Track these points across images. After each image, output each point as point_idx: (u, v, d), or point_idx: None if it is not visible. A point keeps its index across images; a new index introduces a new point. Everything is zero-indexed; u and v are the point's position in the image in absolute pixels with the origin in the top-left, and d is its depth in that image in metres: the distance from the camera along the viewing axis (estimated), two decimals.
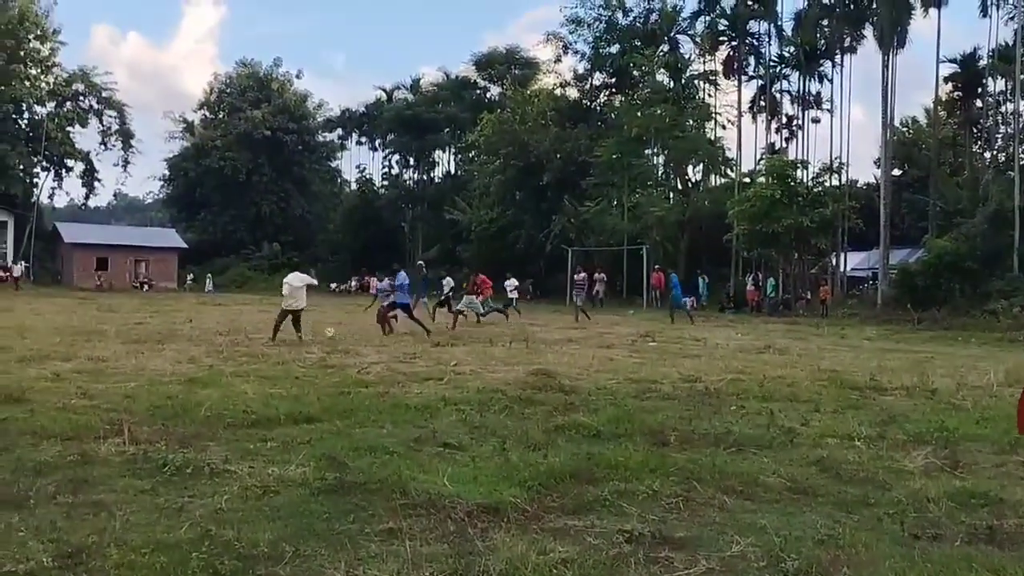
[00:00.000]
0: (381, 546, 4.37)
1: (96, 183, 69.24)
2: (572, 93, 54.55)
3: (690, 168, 51.01)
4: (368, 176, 78.94)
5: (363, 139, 78.77)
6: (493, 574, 3.99)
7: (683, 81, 50.33)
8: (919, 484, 5.95)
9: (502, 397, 9.51)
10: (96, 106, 66.70)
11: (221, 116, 70.34)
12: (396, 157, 75.04)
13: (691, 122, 47.52)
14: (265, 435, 7.02)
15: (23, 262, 53.36)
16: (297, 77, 73.14)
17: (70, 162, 66.64)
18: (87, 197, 71.04)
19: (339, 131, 78.03)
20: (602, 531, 4.75)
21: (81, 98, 65.93)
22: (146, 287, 52.60)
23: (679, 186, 50.48)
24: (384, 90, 74.81)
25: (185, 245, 60.92)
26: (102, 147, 67.94)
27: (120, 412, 7.79)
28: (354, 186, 79.82)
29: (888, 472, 6.30)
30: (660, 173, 50.17)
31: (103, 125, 67.31)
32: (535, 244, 47.44)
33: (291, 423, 7.62)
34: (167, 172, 72.59)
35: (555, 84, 55.60)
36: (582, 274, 28.51)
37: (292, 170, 69.14)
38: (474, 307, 22.71)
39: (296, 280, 17.01)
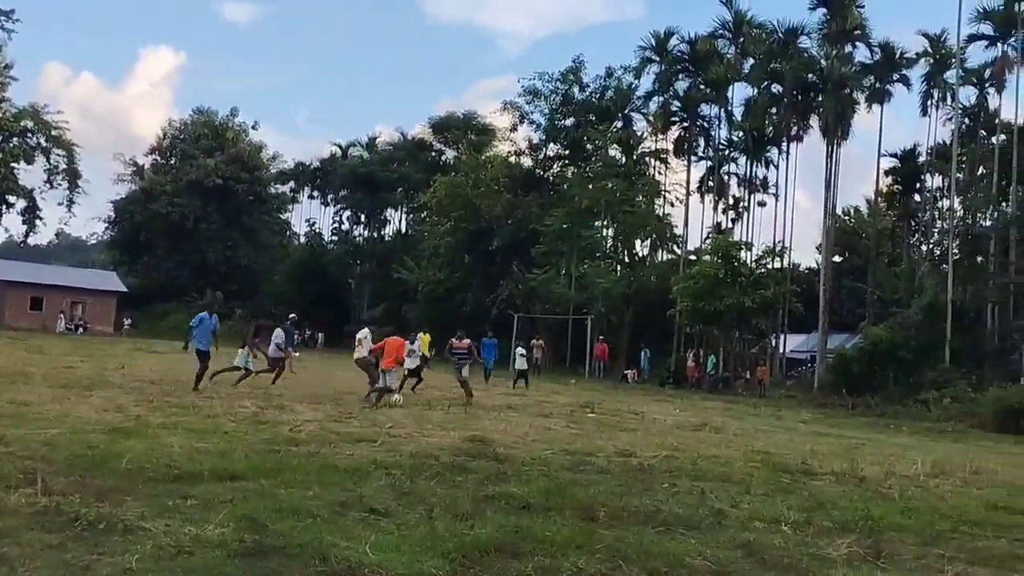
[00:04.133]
0: None
1: (38, 221, 67.65)
2: (526, 162, 55.31)
3: (638, 242, 51.83)
4: (318, 231, 78.82)
5: (315, 193, 78.73)
6: None
7: (635, 157, 51.48)
8: (841, 573, 5.99)
9: (434, 463, 9.40)
10: (44, 144, 65.44)
11: (173, 162, 69.75)
12: (347, 213, 75.13)
13: (641, 198, 48.44)
14: (186, 492, 6.82)
15: None
16: (253, 128, 73.05)
17: (12, 198, 65.06)
18: (27, 235, 69.38)
19: (292, 184, 77.90)
20: None
21: (29, 135, 64.74)
22: (80, 330, 51.27)
23: (626, 259, 51.17)
24: (339, 146, 75.17)
25: (125, 289, 59.74)
26: (47, 185, 66.47)
27: (36, 460, 7.53)
28: (303, 239, 79.39)
29: (812, 559, 6.32)
30: (608, 246, 50.83)
31: (50, 163, 65.93)
32: (482, 308, 47.45)
33: (215, 480, 7.42)
34: (113, 214, 71.36)
35: (510, 152, 56.40)
36: (465, 341, 21.59)
37: (241, 220, 68.56)
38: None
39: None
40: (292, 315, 23.21)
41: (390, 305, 61.26)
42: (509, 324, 42.22)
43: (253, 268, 70.08)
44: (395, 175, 67.46)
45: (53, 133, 65.38)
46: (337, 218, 76.51)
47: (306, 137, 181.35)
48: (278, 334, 19.64)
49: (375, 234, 75.23)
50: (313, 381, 18.61)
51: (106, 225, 73.66)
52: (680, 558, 6.02)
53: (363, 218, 74.51)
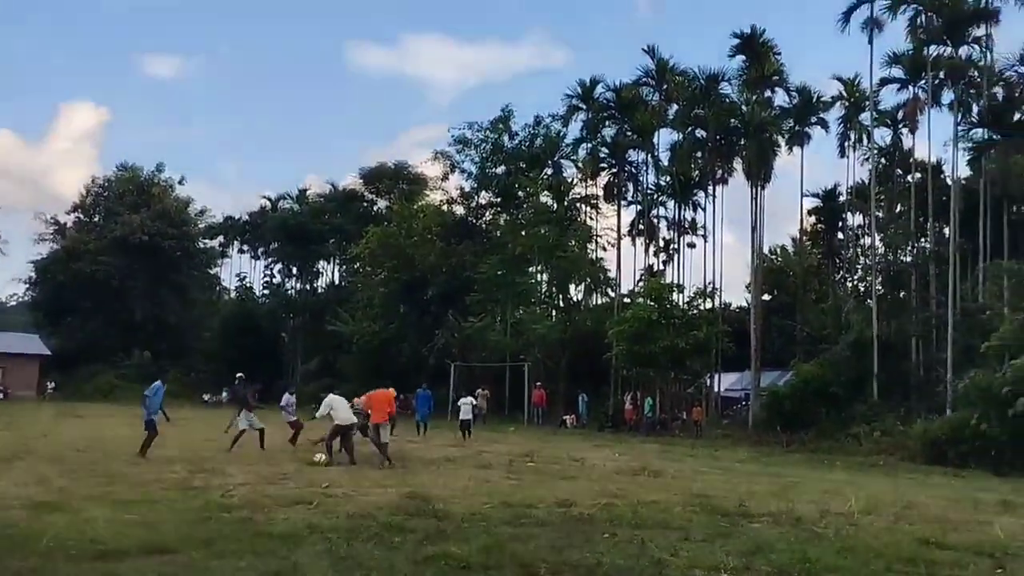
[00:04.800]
0: None
1: None
2: (458, 210, 55.49)
3: (572, 287, 52.27)
4: (248, 285, 77.71)
5: (245, 247, 77.86)
6: None
7: (566, 203, 52.12)
8: None
9: (372, 523, 9.25)
10: None
11: (96, 219, 68.26)
12: (279, 266, 74.38)
13: (573, 242, 48.98)
14: (111, 570, 6.57)
15: None
16: (180, 183, 71.88)
17: None
18: None
19: (221, 238, 76.89)
20: None
21: None
22: (2, 395, 49.41)
23: (561, 304, 51.51)
24: (269, 199, 74.60)
25: (48, 352, 57.88)
26: None
27: None
28: (234, 294, 78.15)
29: None
30: (543, 291, 51.14)
31: None
32: (418, 357, 47.13)
33: (142, 554, 7.17)
34: (33, 275, 69.33)
35: (442, 200, 56.55)
36: (360, 400, 18.88)
37: (169, 276, 67.18)
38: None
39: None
40: (240, 374, 22.97)
41: (325, 358, 60.51)
42: (446, 373, 42.02)
43: (183, 325, 68.54)
44: (327, 227, 67.21)
45: None
46: (268, 272, 75.76)
47: (235, 190, 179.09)
48: (287, 399, 21.02)
49: (308, 286, 74.48)
50: (245, 440, 18.13)
51: (26, 286, 71.65)
52: None
53: (295, 271, 73.80)
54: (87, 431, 22.63)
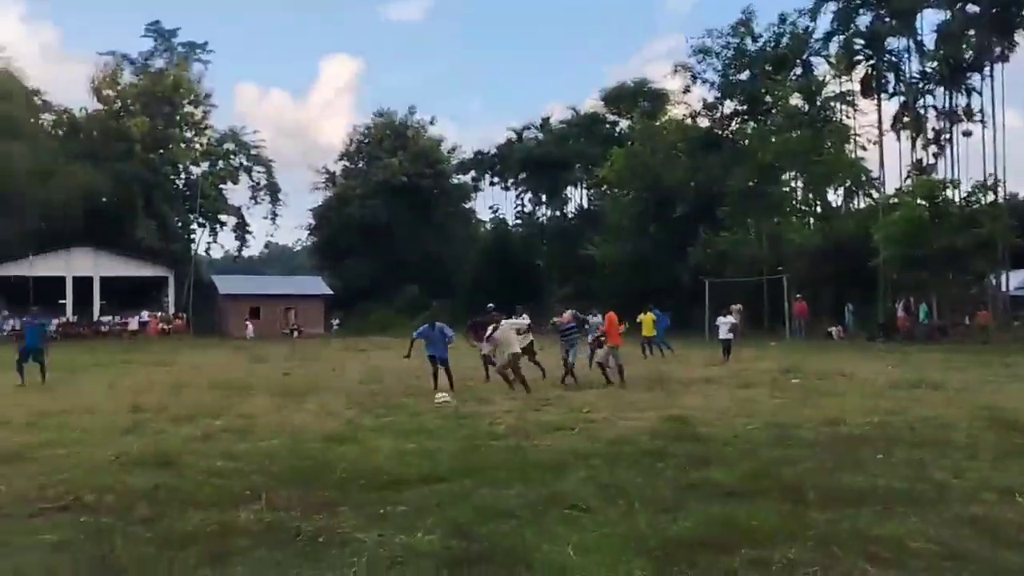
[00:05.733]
0: None
1: (248, 236, 73.48)
2: (703, 122, 53.76)
3: (830, 192, 49.34)
4: (502, 216, 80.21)
5: (496, 180, 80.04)
6: None
7: (818, 103, 48.82)
8: None
9: (633, 449, 9.35)
10: (245, 163, 70.84)
11: (360, 166, 73.00)
12: (528, 195, 76.15)
13: (829, 145, 45.95)
14: (395, 498, 7.10)
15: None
16: (431, 123, 75.14)
17: (223, 217, 70.95)
18: (240, 249, 75.54)
19: (472, 173, 79.57)
20: None
21: (232, 157, 70.11)
22: (295, 334, 54.77)
23: (819, 211, 48.84)
24: (514, 131, 76.07)
25: (331, 292, 63.17)
26: (252, 201, 72.14)
27: (261, 475, 8.08)
28: (489, 226, 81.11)
29: None
30: (798, 199, 48.75)
31: (252, 181, 71.45)
32: (671, 277, 46.78)
33: (421, 484, 7.68)
34: (312, 222, 75.82)
35: (685, 114, 54.99)
36: (566, 314, 18.58)
37: (429, 214, 70.84)
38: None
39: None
40: (490, 304, 23.69)
41: (579, 282, 61.56)
42: (700, 291, 41.38)
43: (444, 260, 72.36)
44: (571, 152, 67.71)
45: (252, 152, 70.61)
46: (519, 201, 77.80)
47: (481, 125, 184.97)
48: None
49: (558, 213, 75.81)
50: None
51: (308, 232, 78.50)
52: (901, 541, 5.68)
53: (544, 199, 75.29)
54: (370, 364, 24.51)
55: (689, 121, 54.06)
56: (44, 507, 6.86)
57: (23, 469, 8.57)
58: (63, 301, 53.59)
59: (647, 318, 26.50)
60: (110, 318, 53.76)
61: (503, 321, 17.05)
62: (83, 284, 54.59)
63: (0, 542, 5.88)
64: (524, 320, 17.76)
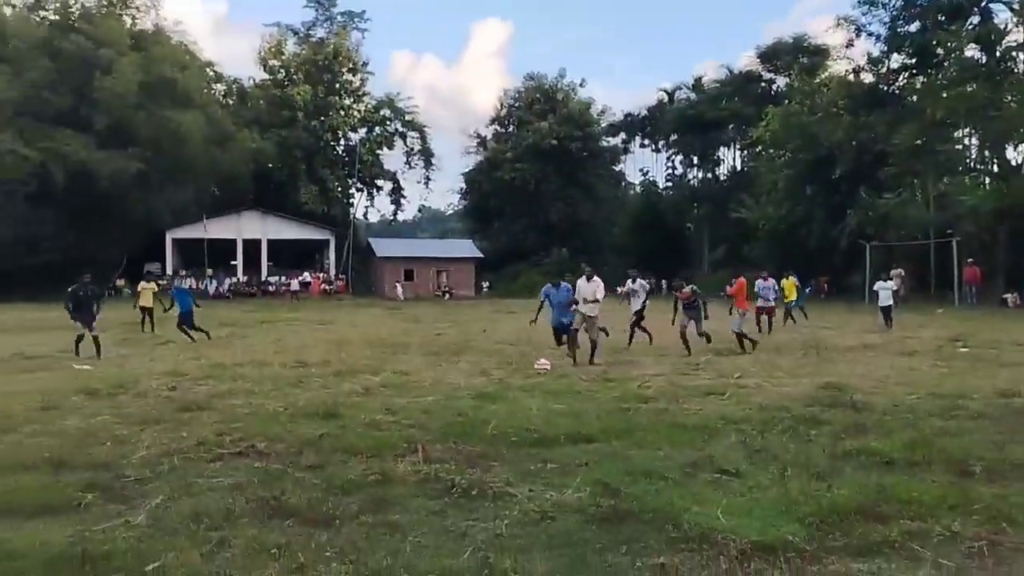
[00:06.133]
0: None
1: (402, 200, 75.75)
2: (866, 78, 50.94)
3: (1010, 149, 45.91)
4: (651, 179, 79.17)
5: (646, 142, 78.96)
6: None
7: (998, 54, 45.37)
8: None
9: (786, 415, 9.16)
10: (400, 129, 72.79)
11: (511, 129, 73.58)
12: (679, 157, 74.81)
13: (1009, 98, 42.70)
14: (545, 455, 7.28)
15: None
16: (580, 86, 74.74)
17: (380, 182, 73.32)
18: (395, 213, 78.17)
19: (622, 135, 78.74)
20: None
21: (387, 123, 72.16)
22: (447, 295, 56.22)
23: (996, 170, 45.61)
24: (665, 91, 74.69)
25: (481, 254, 64.32)
26: (407, 166, 74.16)
27: (417, 428, 8.45)
28: (638, 189, 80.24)
29: None
30: (972, 157, 45.68)
31: (407, 146, 73.39)
32: (828, 240, 45.03)
33: (570, 443, 7.83)
34: (463, 186, 77.21)
35: (847, 70, 52.32)
36: (686, 290, 17.29)
37: (578, 177, 70.77)
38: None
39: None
40: (632, 270, 23.47)
41: (730, 246, 60.29)
42: (859, 255, 39.67)
43: (593, 222, 72.25)
44: (724, 112, 66.00)
45: (407, 118, 72.44)
46: (670, 164, 76.58)
47: (631, 87, 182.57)
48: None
49: (710, 175, 74.23)
50: (656, 331, 18.57)
51: (459, 196, 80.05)
52: None
53: (696, 161, 73.79)
54: (519, 326, 24.84)
55: (851, 77, 51.42)
56: (222, 452, 7.43)
57: (203, 418, 9.30)
58: (234, 262, 56.95)
59: (789, 283, 25.69)
60: (276, 278, 56.71)
61: (578, 282, 15.92)
62: (252, 246, 57.75)
63: (185, 483, 6.42)
64: (597, 284, 15.35)
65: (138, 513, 5.59)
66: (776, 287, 23.11)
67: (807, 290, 27.12)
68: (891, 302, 23.29)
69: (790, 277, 26.16)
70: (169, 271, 54.64)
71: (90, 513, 5.67)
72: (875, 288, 24.85)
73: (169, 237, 55.24)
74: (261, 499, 5.78)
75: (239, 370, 13.70)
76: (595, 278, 15.49)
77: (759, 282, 22.35)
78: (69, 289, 17.08)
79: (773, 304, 22.21)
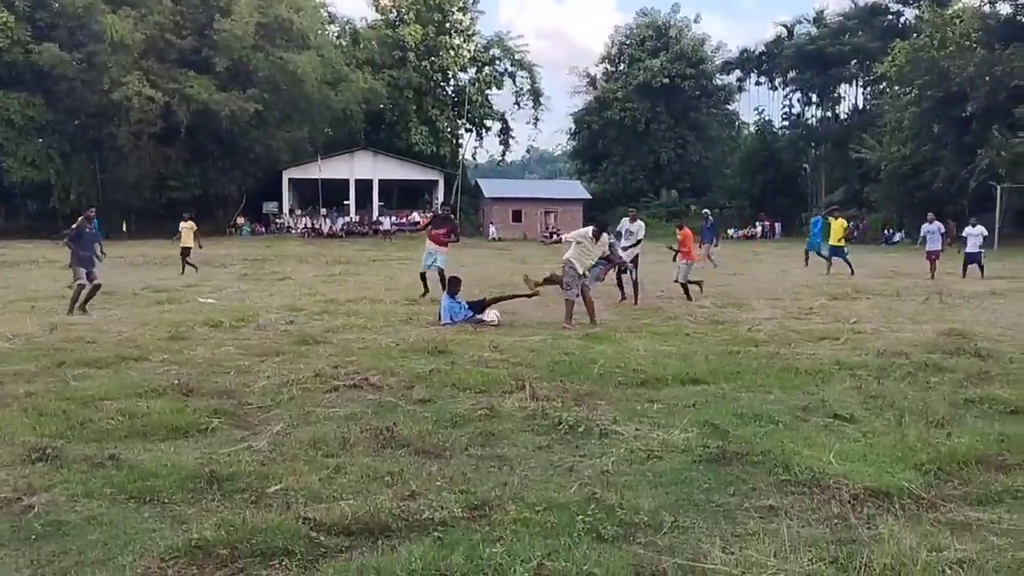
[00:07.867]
0: (759, 523, 4.32)
1: (511, 140, 75.64)
2: (1004, 9, 47.84)
3: None
4: (767, 118, 76.59)
5: (762, 79, 76.23)
6: (876, 568, 3.75)
7: None
8: None
9: (905, 362, 8.85)
10: (510, 69, 72.38)
11: (621, 68, 72.17)
12: (797, 96, 72.04)
13: None
14: (652, 396, 7.26)
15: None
16: (695, 21, 72.85)
17: (489, 122, 73.32)
18: (503, 154, 78.12)
19: (737, 73, 76.20)
20: (1010, 528, 4.28)
21: (497, 62, 71.80)
22: (554, 236, 56.14)
23: None
24: (785, 25, 71.73)
25: (589, 196, 63.84)
26: (515, 107, 73.87)
27: (524, 367, 8.53)
28: (752, 129, 77.84)
29: None
30: None
31: (516, 86, 72.98)
32: (956, 182, 42.87)
33: (677, 384, 7.79)
34: (572, 126, 76.46)
35: (981, 1, 49.17)
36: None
37: (689, 116, 69.16)
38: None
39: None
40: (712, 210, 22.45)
41: (849, 188, 58.13)
42: (990, 197, 37.67)
43: (704, 163, 70.69)
44: (847, 47, 63.07)
45: (516, 57, 71.88)
46: (787, 102, 73.82)
47: (749, 21, 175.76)
48: None
49: (829, 114, 71.36)
50: (769, 275, 18.21)
51: (567, 136, 79.37)
52: None
53: (814, 99, 70.93)
54: None
55: (987, 8, 48.26)
56: (337, 384, 7.68)
57: (319, 351, 9.64)
58: (347, 202, 58.19)
59: (838, 223, 22.47)
60: (387, 218, 57.72)
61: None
62: (363, 186, 58.82)
63: (303, 412, 6.69)
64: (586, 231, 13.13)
65: (260, 439, 5.86)
66: (942, 229, 22.58)
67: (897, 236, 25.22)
68: (978, 249, 21.76)
69: (838, 217, 23.09)
70: (286, 210, 56.32)
71: (216, 437, 5.98)
72: (963, 234, 23.19)
73: (285, 176, 56.80)
74: (375, 429, 5.95)
75: (352, 306, 14.12)
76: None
77: (925, 225, 22.20)
78: (74, 225, 14.79)
79: (940, 248, 21.97)
